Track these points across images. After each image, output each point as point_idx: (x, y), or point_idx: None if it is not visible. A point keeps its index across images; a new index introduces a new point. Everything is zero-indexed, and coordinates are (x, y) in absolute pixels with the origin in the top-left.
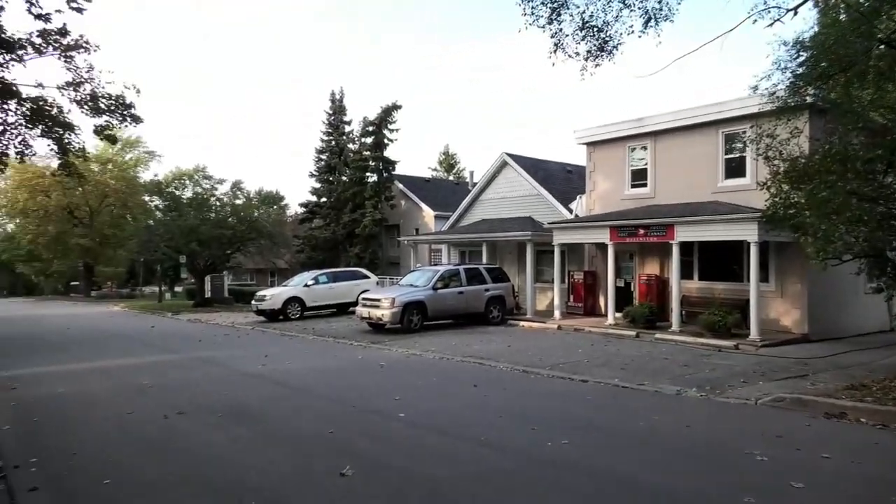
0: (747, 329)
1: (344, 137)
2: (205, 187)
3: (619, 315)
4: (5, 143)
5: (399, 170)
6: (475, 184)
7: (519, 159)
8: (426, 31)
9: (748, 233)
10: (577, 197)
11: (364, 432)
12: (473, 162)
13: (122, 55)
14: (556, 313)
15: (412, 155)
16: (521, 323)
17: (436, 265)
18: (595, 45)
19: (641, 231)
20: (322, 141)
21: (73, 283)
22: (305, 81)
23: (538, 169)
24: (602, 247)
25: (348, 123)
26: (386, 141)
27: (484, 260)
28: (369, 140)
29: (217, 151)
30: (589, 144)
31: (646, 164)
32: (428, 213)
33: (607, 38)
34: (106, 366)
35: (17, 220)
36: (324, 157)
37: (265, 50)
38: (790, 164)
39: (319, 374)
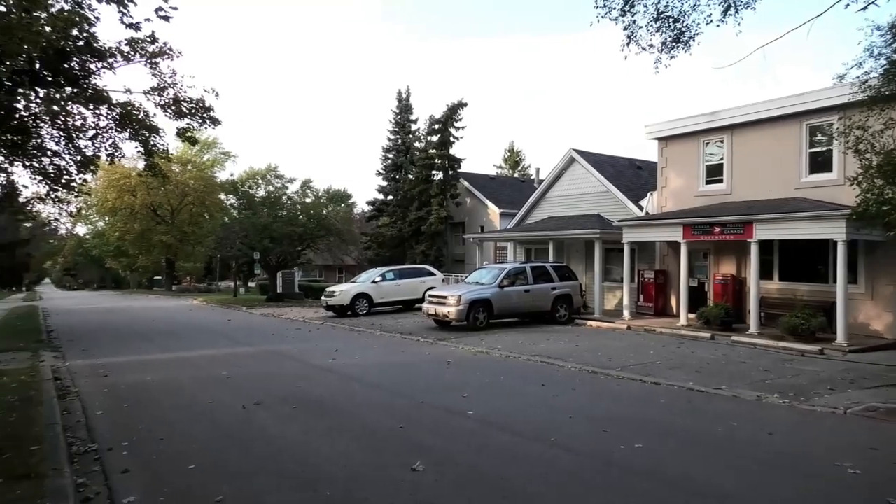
0: (833, 333)
1: (410, 136)
2: (276, 186)
3: (691, 316)
4: (97, 145)
5: (464, 167)
6: (541, 181)
7: (587, 155)
8: (492, 29)
9: (835, 231)
10: (648, 194)
11: (433, 428)
12: (539, 159)
13: (196, 56)
14: (626, 313)
15: (477, 152)
16: (589, 322)
17: (502, 263)
18: (670, 37)
19: (717, 229)
20: (389, 140)
21: (156, 278)
22: (373, 82)
23: (607, 165)
24: (674, 245)
25: (414, 122)
26: (452, 139)
27: (550, 258)
28: (435, 138)
29: (288, 151)
30: (661, 139)
31: (721, 159)
32: (493, 210)
33: (683, 29)
34: (188, 356)
35: (107, 218)
36: (390, 155)
37: (334, 51)
38: (884, 157)
39: (388, 370)
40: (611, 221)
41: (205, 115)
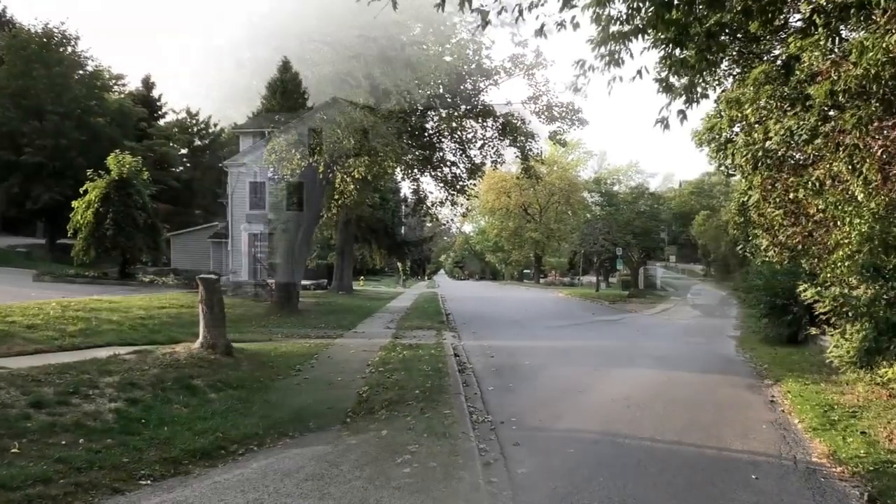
0: None
1: None
2: (637, 182)
3: None
4: (483, 154)
5: None
6: None
7: None
8: None
9: None
10: None
11: None
12: None
13: (555, 56)
14: None
15: None
16: None
17: None
18: None
19: None
20: None
21: (525, 271)
22: None
23: None
24: None
25: None
26: None
27: None
28: None
29: (647, 144)
30: None
31: None
32: None
33: None
34: (556, 346)
35: (487, 218)
36: None
37: None
38: None
39: None
40: None
41: (573, 117)
